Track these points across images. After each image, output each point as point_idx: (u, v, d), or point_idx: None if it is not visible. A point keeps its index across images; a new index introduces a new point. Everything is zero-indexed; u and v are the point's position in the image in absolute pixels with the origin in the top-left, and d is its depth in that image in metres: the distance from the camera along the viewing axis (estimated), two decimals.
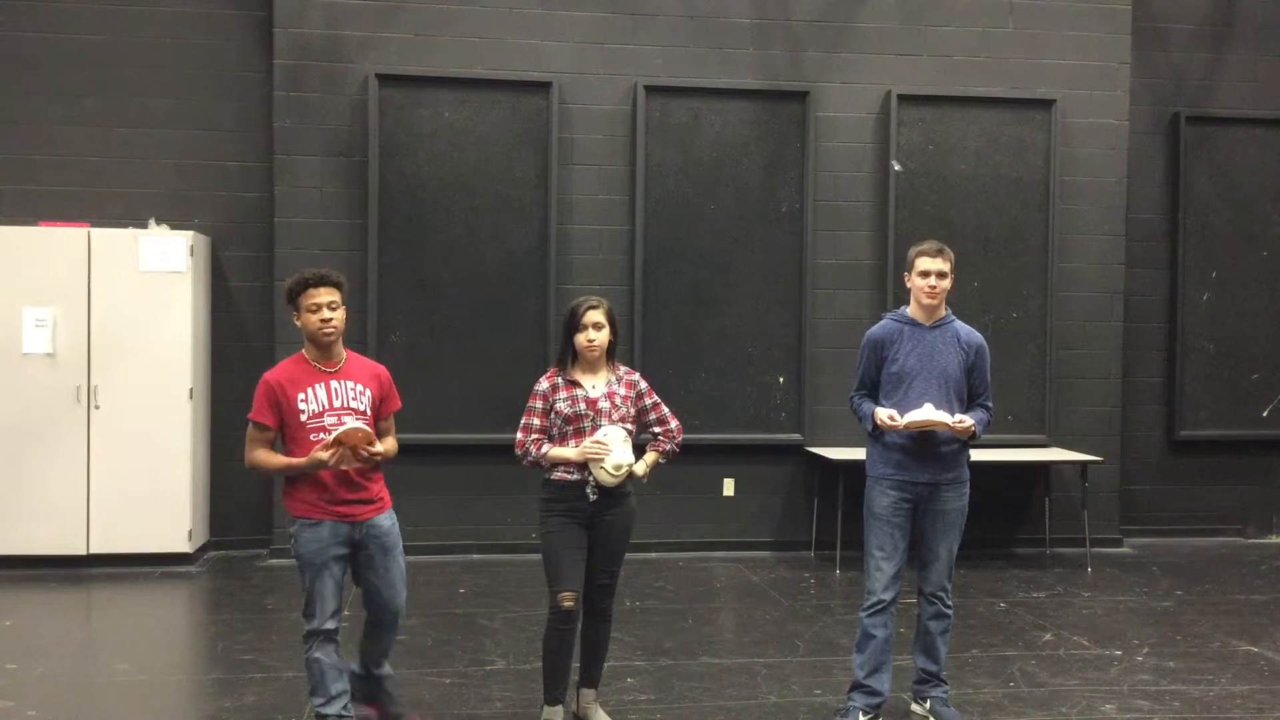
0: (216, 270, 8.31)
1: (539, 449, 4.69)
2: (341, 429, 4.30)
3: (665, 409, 4.92)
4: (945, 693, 5.09)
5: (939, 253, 4.97)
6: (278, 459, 4.44)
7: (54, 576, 7.50)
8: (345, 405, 4.45)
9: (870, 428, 5.01)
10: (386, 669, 4.85)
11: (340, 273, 4.59)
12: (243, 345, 8.33)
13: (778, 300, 8.53)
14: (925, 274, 4.95)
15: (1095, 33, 8.78)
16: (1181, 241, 9.16)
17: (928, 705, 5.06)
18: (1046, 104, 8.70)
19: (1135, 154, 9.03)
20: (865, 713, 4.97)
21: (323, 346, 4.47)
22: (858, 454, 8.21)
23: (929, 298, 4.97)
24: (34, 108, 8.14)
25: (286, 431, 4.45)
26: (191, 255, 7.77)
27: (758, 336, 8.51)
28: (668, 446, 4.89)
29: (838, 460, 8.04)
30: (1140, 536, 9.12)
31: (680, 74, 8.43)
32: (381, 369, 4.70)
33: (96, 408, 7.63)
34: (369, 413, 4.53)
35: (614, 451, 4.60)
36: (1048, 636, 6.42)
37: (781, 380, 8.55)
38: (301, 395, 4.41)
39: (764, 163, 8.51)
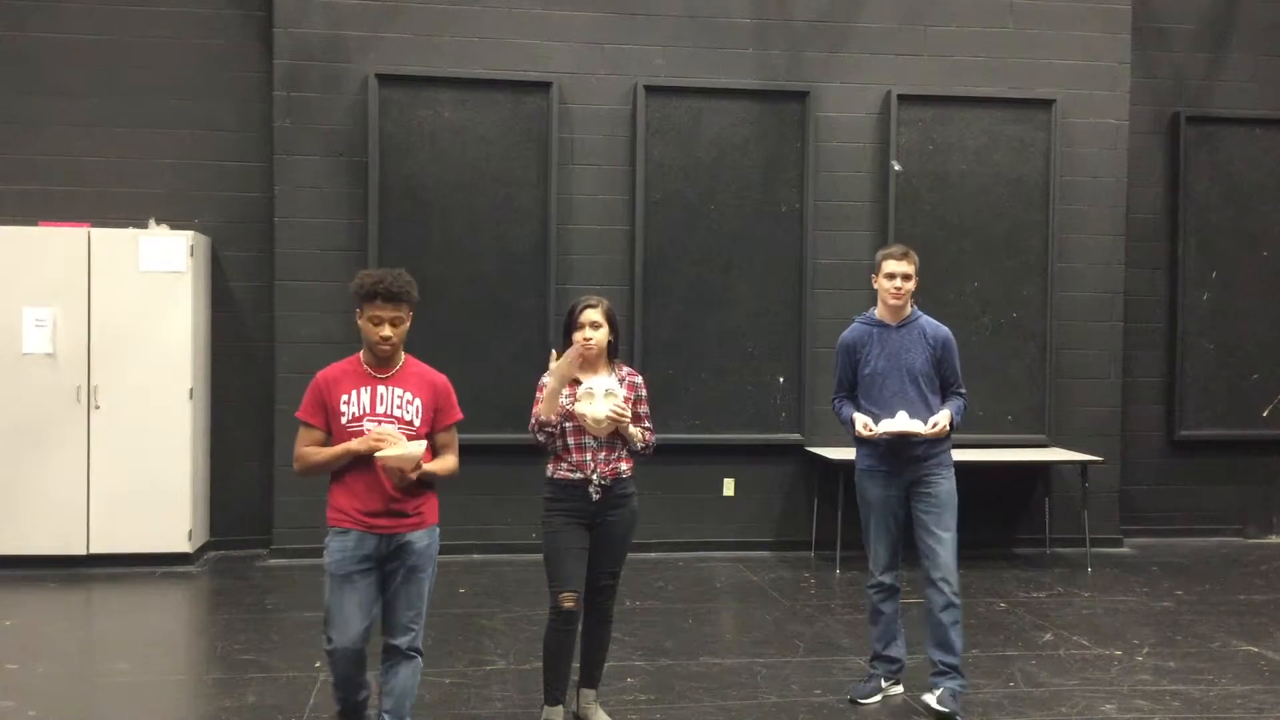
0: (216, 270, 8.31)
1: (535, 418, 4.68)
2: (392, 452, 4.12)
3: (648, 422, 4.85)
4: (962, 686, 5.15)
5: (904, 255, 5.28)
6: (322, 452, 4.25)
7: (54, 576, 7.50)
8: (389, 412, 4.24)
9: (851, 432, 5.30)
10: None
11: (414, 282, 4.31)
12: (243, 345, 8.33)
13: (778, 300, 8.53)
14: (891, 275, 5.26)
15: (1095, 33, 8.78)
16: (1181, 241, 9.16)
17: (937, 694, 5.14)
18: (1046, 104, 8.70)
19: (1135, 154, 9.03)
20: (887, 679, 5.34)
21: (377, 356, 4.30)
22: None
23: (894, 299, 5.26)
24: (34, 108, 8.14)
25: (331, 434, 4.27)
26: (191, 255, 7.77)
27: (758, 336, 8.51)
28: (641, 446, 4.79)
29: (838, 460, 8.03)
30: (1140, 536, 9.12)
31: (680, 74, 8.43)
32: (440, 378, 4.40)
33: (96, 408, 7.63)
34: (416, 423, 4.27)
35: (591, 408, 4.56)
36: (1048, 636, 6.42)
37: (781, 380, 8.55)
38: (345, 397, 4.25)
39: (764, 163, 8.51)
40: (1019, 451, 8.54)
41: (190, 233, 7.85)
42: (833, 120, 8.57)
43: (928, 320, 5.34)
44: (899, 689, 5.37)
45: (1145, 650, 6.17)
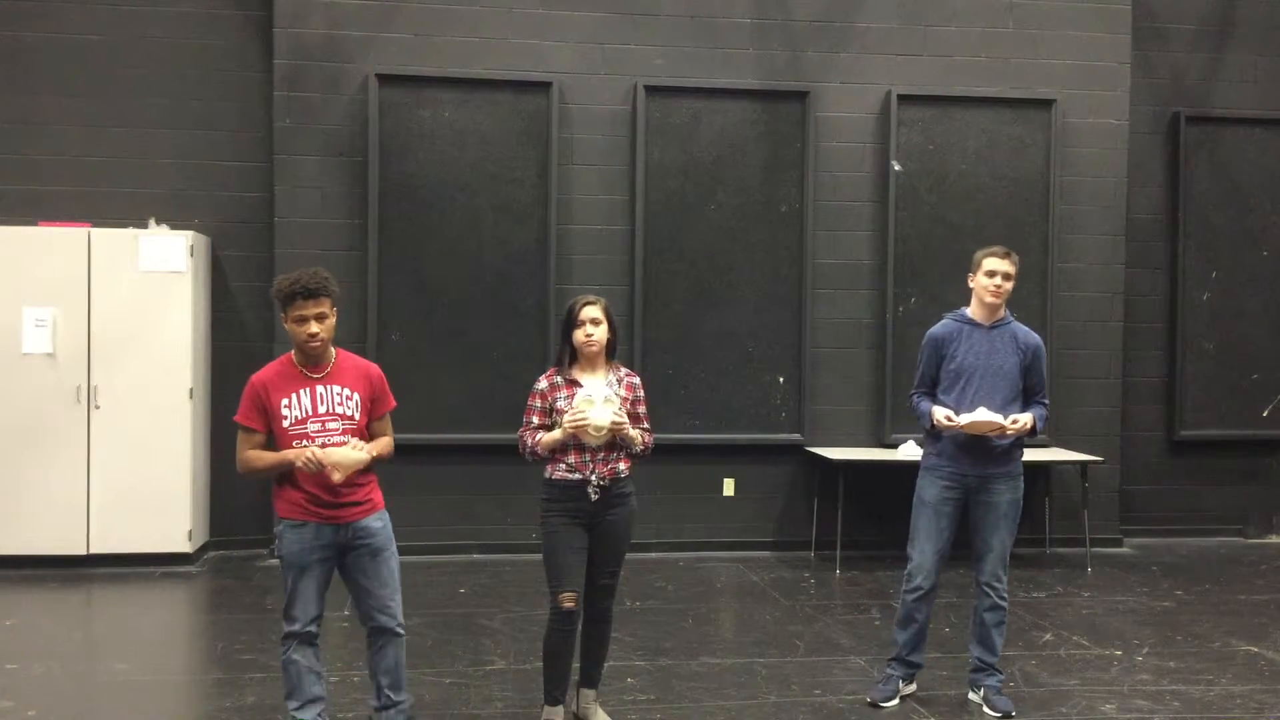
0: (216, 270, 8.31)
1: (533, 438, 4.69)
2: (333, 456, 4.21)
3: (647, 423, 4.86)
4: (1000, 682, 5.25)
5: (1006, 255, 5.17)
6: (266, 457, 4.32)
7: (54, 576, 7.50)
8: (330, 411, 4.32)
9: (928, 425, 5.18)
10: (405, 697, 4.55)
11: (331, 276, 4.37)
12: (243, 345, 8.33)
13: (778, 300, 8.53)
14: (992, 274, 5.14)
15: (1095, 33, 8.78)
16: (1181, 241, 9.16)
17: (981, 694, 5.23)
18: (1046, 104, 8.70)
19: (1135, 154, 9.03)
20: (904, 680, 5.30)
21: (309, 355, 4.35)
22: (858, 454, 8.26)
23: (993, 297, 5.14)
24: (34, 108, 8.14)
25: (272, 435, 4.35)
26: (191, 255, 7.78)
27: (758, 336, 8.51)
28: (640, 448, 4.79)
29: (838, 460, 8.04)
30: (1140, 536, 9.12)
31: (680, 74, 8.43)
32: (373, 368, 4.51)
33: (96, 408, 7.63)
34: (357, 417, 4.37)
35: (593, 414, 4.56)
36: (1048, 636, 6.42)
37: (781, 380, 8.54)
38: (285, 401, 4.30)
39: (764, 163, 8.51)
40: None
41: (190, 233, 7.85)
42: (833, 120, 8.57)
43: (1020, 326, 5.26)
44: (913, 686, 5.37)
45: (1145, 650, 6.17)
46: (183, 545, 7.77)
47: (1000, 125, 8.70)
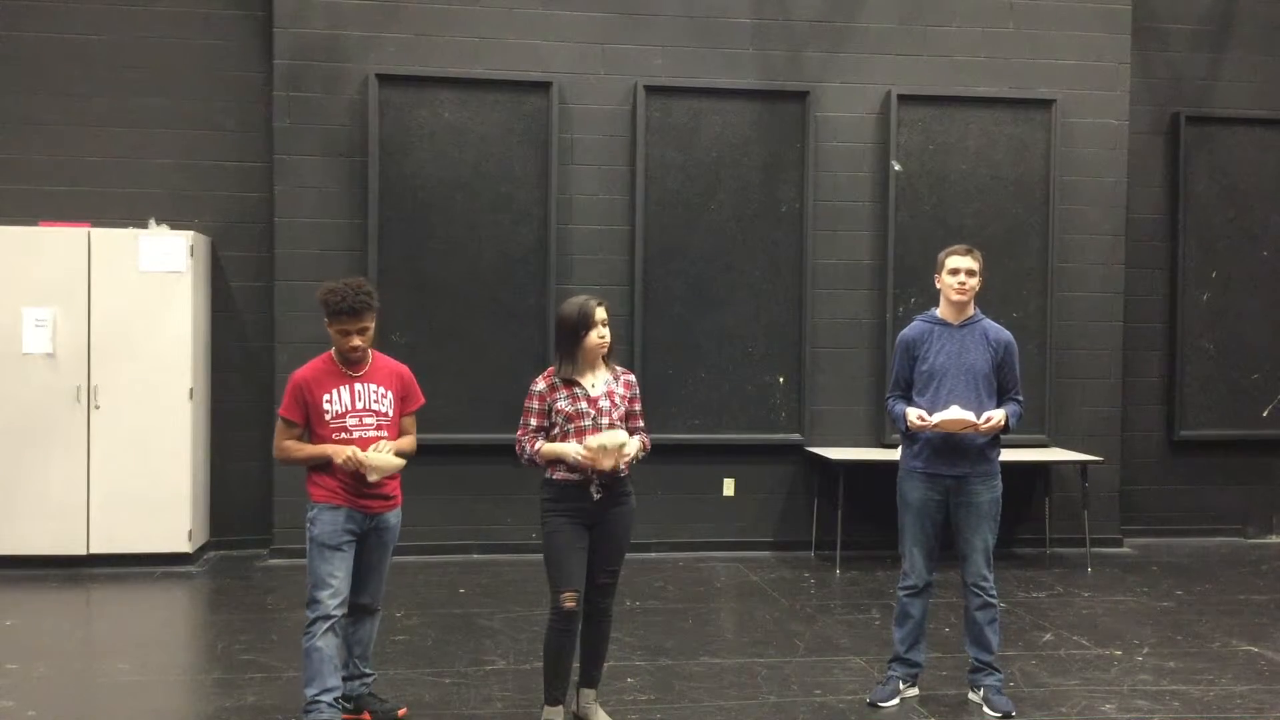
0: (216, 270, 8.31)
1: (533, 446, 4.69)
2: (373, 460, 4.56)
3: (642, 421, 4.90)
4: (999, 681, 5.25)
5: (968, 252, 5.21)
6: (304, 449, 4.68)
7: (54, 576, 7.50)
8: (367, 407, 4.70)
9: (903, 427, 5.21)
10: (371, 672, 5.00)
11: (373, 290, 4.71)
12: (243, 345, 8.33)
13: (778, 300, 8.53)
14: (955, 271, 5.18)
15: (1095, 33, 8.78)
16: (1181, 241, 9.16)
17: (981, 694, 5.23)
18: (1046, 104, 8.70)
19: (1135, 154, 9.02)
20: (905, 681, 5.31)
21: (349, 360, 4.71)
22: (858, 454, 8.26)
23: (958, 294, 5.17)
24: (34, 108, 8.14)
25: (311, 428, 4.69)
26: (191, 255, 7.78)
27: (758, 336, 8.51)
28: (641, 456, 4.83)
29: (838, 460, 8.04)
30: (1140, 536, 9.12)
31: (680, 74, 8.43)
32: (403, 368, 4.90)
33: (96, 408, 7.63)
34: (391, 414, 4.75)
35: (606, 463, 4.58)
36: (1048, 636, 6.42)
37: (781, 380, 8.54)
38: (327, 396, 4.65)
39: (764, 163, 8.51)
40: (1019, 451, 8.52)
41: (190, 233, 7.85)
42: (833, 120, 8.57)
43: (990, 323, 5.28)
44: (914, 690, 5.36)
45: (1145, 650, 6.17)
46: (183, 545, 7.77)
47: (1000, 125, 8.70)
